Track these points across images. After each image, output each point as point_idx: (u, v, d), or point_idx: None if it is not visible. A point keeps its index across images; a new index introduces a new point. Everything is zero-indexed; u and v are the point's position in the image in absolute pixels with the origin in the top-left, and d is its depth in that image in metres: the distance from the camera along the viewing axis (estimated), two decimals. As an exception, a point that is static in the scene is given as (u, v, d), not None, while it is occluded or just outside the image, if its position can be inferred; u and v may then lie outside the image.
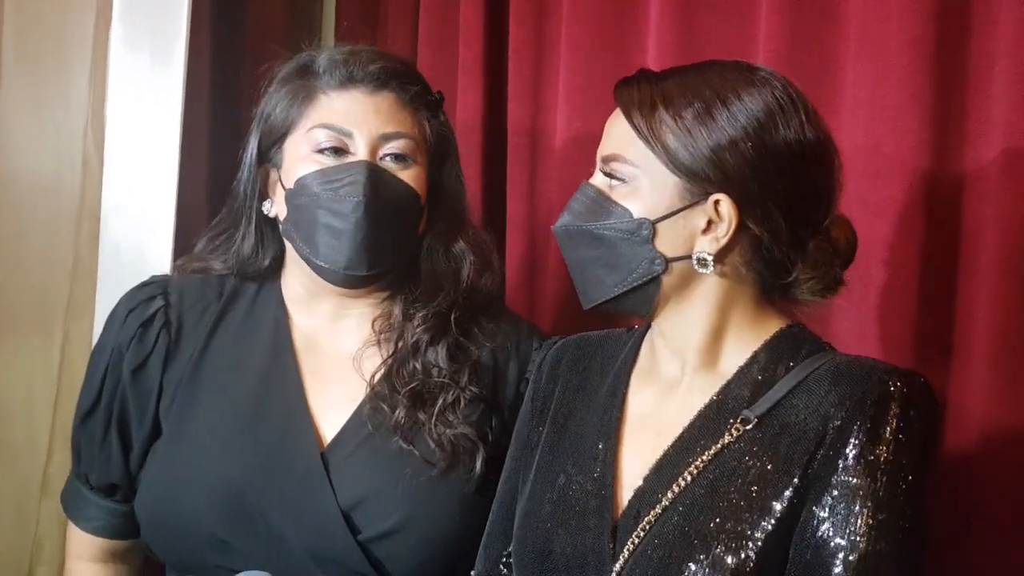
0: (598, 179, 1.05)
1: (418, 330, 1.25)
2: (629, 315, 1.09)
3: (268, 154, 1.28)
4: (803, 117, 1.00)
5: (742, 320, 1.03)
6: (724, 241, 0.99)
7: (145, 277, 1.37)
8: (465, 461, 1.21)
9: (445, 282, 1.27)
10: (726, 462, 0.98)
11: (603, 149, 1.05)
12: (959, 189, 1.22)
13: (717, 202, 0.99)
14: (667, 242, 1.01)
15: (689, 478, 0.98)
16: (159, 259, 1.60)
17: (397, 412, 1.21)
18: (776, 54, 1.32)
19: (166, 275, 1.38)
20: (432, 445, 1.20)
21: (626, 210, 1.01)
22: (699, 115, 0.98)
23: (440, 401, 1.22)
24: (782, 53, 1.32)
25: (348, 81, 1.23)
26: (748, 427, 0.98)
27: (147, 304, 1.29)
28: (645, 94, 1.01)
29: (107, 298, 1.59)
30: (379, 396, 1.23)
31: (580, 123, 1.55)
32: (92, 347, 1.36)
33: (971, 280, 1.21)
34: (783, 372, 1.00)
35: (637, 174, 1.01)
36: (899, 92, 1.22)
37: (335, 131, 1.22)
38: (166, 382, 1.26)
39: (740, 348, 1.03)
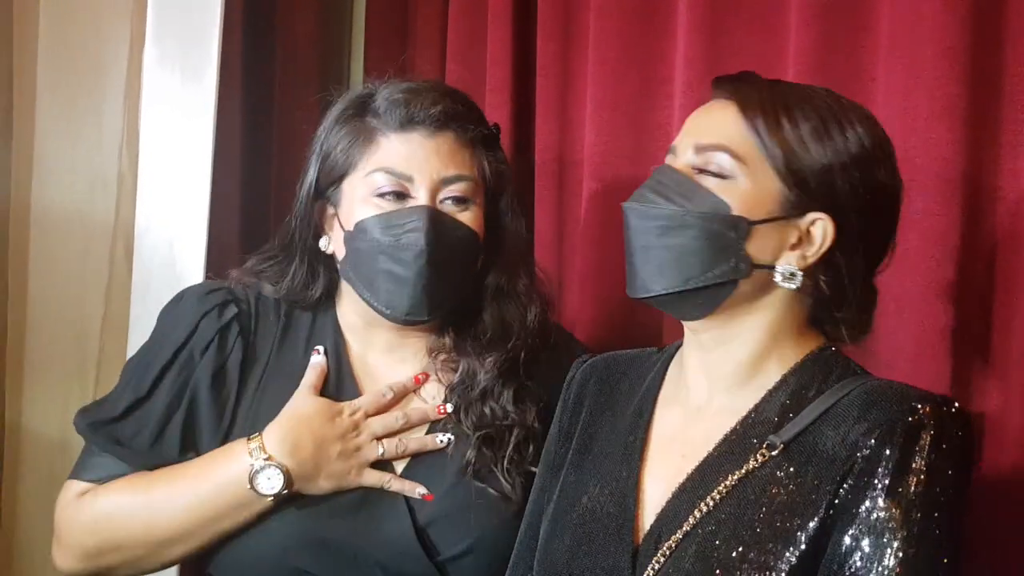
0: (681, 166, 0.99)
1: (488, 376, 1.24)
2: (677, 316, 1.04)
3: (326, 192, 1.26)
4: (895, 163, 0.99)
5: (787, 339, 1.00)
6: (812, 260, 0.96)
7: (176, 293, 1.32)
8: None
9: (515, 325, 1.26)
10: (750, 489, 0.94)
11: (702, 137, 0.98)
12: (993, 200, 1.21)
13: (813, 222, 0.96)
14: (756, 247, 0.96)
15: (712, 504, 0.95)
16: (191, 275, 1.61)
17: (468, 453, 1.21)
18: (807, 65, 1.31)
19: (224, 283, 1.31)
20: (505, 485, 1.20)
21: (724, 202, 0.96)
22: (816, 131, 0.95)
23: (511, 442, 1.22)
24: (813, 63, 1.30)
25: (408, 123, 1.21)
26: (774, 453, 0.95)
27: (222, 309, 1.26)
28: (766, 96, 0.97)
29: (140, 315, 1.61)
30: (451, 432, 1.23)
31: (608, 139, 1.54)
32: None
33: (1007, 292, 1.19)
34: (812, 397, 0.97)
35: (740, 171, 0.96)
36: (931, 103, 1.20)
37: (395, 175, 1.20)
38: (242, 392, 1.24)
39: (781, 368, 1.00)
